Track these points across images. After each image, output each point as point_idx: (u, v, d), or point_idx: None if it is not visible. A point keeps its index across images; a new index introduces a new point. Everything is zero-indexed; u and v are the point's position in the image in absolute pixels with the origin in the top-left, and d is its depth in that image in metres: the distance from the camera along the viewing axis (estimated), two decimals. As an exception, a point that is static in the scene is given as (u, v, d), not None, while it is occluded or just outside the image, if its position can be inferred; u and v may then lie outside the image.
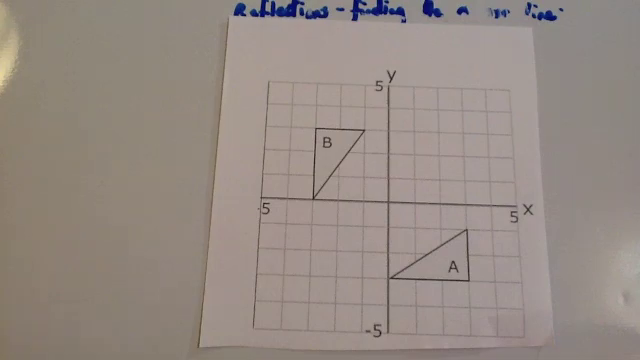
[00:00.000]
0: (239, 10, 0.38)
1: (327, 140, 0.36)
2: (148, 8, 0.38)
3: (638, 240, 0.35)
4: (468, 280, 0.33)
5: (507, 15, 0.38)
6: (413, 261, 0.34)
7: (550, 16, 0.38)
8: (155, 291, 0.33)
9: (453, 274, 0.34)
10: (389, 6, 0.38)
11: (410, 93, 0.36)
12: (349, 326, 0.33)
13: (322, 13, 0.38)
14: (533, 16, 0.38)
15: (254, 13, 0.38)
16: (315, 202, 0.35)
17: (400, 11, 0.38)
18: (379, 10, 0.38)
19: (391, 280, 0.33)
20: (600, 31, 0.38)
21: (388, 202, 0.35)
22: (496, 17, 0.38)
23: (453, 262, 0.34)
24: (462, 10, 0.38)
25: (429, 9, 0.38)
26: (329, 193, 0.35)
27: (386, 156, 0.35)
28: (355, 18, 0.38)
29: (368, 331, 0.33)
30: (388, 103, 0.36)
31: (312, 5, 0.38)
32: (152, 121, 0.36)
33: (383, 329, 0.33)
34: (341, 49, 0.37)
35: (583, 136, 0.36)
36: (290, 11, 0.38)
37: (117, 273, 0.33)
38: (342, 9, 0.38)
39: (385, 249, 0.34)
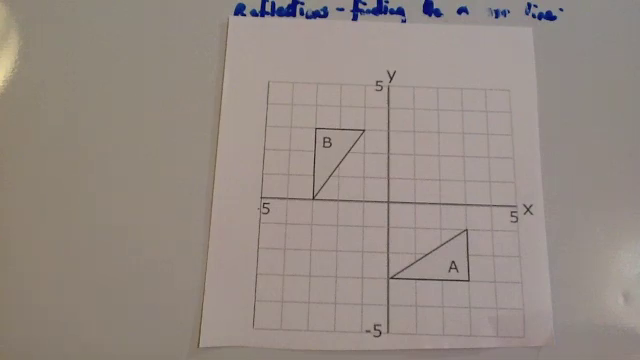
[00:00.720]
0: (239, 10, 0.38)
1: (327, 140, 0.36)
2: (148, 8, 0.38)
3: (638, 240, 0.35)
4: (468, 280, 0.33)
5: (507, 15, 0.38)
6: (413, 261, 0.34)
7: (550, 16, 0.38)
8: (155, 291, 0.33)
9: (453, 274, 0.34)
10: (389, 6, 0.38)
11: (410, 93, 0.36)
12: (349, 326, 0.33)
13: (322, 13, 0.38)
14: (533, 16, 0.38)
15: (254, 13, 0.38)
16: (315, 202, 0.35)
17: (400, 11, 0.38)
18: (379, 10, 0.38)
19: (391, 280, 0.33)
20: (600, 31, 0.38)
21: (388, 202, 0.35)
22: (496, 17, 0.38)
23: (453, 262, 0.34)
24: (462, 10, 0.38)
25: (429, 9, 0.38)
26: (329, 193, 0.35)
27: (386, 156, 0.35)
28: (355, 18, 0.38)
29: (368, 331, 0.33)
30: (388, 103, 0.36)
31: (312, 5, 0.38)
32: (152, 121, 0.36)
33: (383, 329, 0.33)
34: (341, 49, 0.37)
35: (583, 136, 0.36)
36: (290, 11, 0.38)
37: (117, 273, 0.33)
38: (342, 9, 0.38)
39: (385, 249, 0.34)
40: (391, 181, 0.35)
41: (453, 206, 0.35)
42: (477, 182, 0.35)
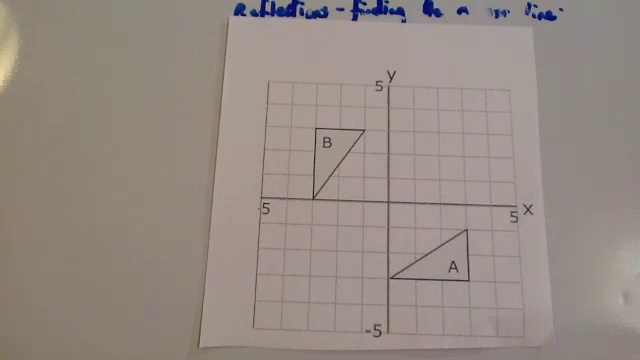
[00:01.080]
0: (239, 10, 0.38)
1: (327, 140, 0.36)
2: (148, 8, 0.38)
3: (638, 240, 0.35)
4: (468, 280, 0.33)
5: (507, 15, 0.38)
6: (413, 261, 0.34)
7: (550, 16, 0.38)
8: (155, 291, 0.33)
9: (453, 274, 0.34)
10: (389, 6, 0.38)
11: (410, 93, 0.36)
12: (349, 326, 0.33)
13: (322, 13, 0.38)
14: (533, 16, 0.38)
15: (254, 13, 0.38)
16: (315, 202, 0.35)
17: (400, 11, 0.38)
18: (379, 10, 0.38)
19: (391, 280, 0.33)
20: (600, 31, 0.38)
21: (388, 202, 0.35)
22: (496, 17, 0.38)
23: (453, 262, 0.34)
24: (462, 10, 0.38)
25: (429, 9, 0.38)
26: (329, 193, 0.35)
27: (386, 156, 0.35)
28: (355, 18, 0.38)
29: (368, 331, 0.33)
30: (388, 103, 0.36)
31: (312, 5, 0.38)
32: (152, 121, 0.36)
33: (383, 329, 0.33)
34: (341, 49, 0.37)
35: (583, 136, 0.36)
36: (290, 11, 0.38)
37: (117, 273, 0.33)
38: (342, 9, 0.38)
39: (385, 249, 0.34)
40: (391, 181, 0.35)
41: (453, 206, 0.35)
42: (477, 182, 0.35)
